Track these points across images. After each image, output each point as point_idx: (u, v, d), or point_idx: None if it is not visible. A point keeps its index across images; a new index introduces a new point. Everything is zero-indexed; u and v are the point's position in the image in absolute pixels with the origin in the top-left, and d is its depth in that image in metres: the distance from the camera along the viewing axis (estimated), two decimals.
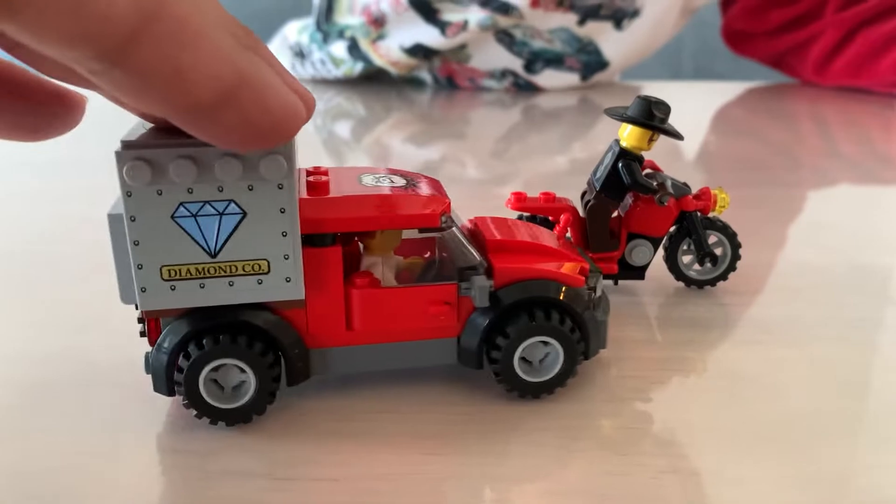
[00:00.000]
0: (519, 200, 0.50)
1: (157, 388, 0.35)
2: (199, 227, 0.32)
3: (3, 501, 0.31)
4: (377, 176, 0.37)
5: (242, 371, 0.35)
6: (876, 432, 0.36)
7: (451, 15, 0.97)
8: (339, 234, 0.35)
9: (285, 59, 1.12)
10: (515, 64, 1.02)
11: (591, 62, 1.04)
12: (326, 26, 1.05)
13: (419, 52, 0.98)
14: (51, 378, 0.40)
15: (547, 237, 0.41)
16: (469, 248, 0.37)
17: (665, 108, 0.46)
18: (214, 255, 0.33)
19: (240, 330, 0.34)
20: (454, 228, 0.36)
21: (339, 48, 1.05)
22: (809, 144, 0.90)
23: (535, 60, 1.01)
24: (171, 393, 0.35)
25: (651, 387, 0.40)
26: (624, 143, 0.48)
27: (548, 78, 1.04)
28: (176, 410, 0.37)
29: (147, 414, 0.37)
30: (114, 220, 0.32)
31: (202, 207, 0.32)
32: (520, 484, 0.33)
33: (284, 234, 0.33)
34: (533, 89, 1.06)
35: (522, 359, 0.37)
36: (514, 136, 0.90)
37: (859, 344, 0.45)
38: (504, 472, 0.34)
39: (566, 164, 0.79)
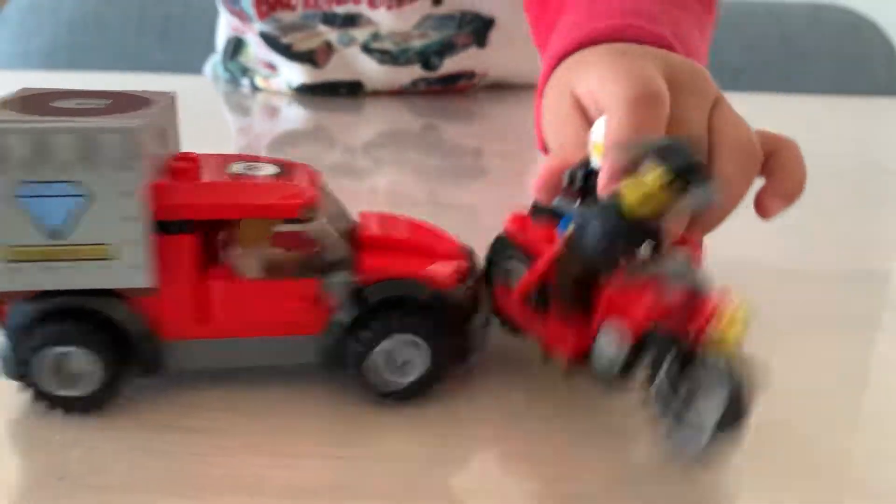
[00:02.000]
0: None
1: (6, 372, 0.35)
2: (42, 208, 0.32)
3: None
4: (249, 164, 0.37)
5: (88, 359, 0.34)
6: (879, 420, 0.38)
7: (306, 43, 0.95)
8: (196, 221, 0.34)
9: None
10: (415, 72, 0.99)
11: (478, 27, 0.98)
12: (231, 65, 1.05)
13: (307, 91, 0.97)
14: None
15: (435, 237, 0.40)
16: (337, 242, 0.36)
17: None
18: (59, 238, 0.32)
19: (88, 317, 0.33)
20: (321, 221, 0.35)
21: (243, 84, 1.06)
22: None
23: (428, 58, 0.98)
24: (18, 377, 0.34)
25: None
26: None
27: (452, 65, 1.00)
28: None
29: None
30: None
31: (45, 187, 0.31)
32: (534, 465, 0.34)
33: (131, 219, 0.32)
34: (450, 81, 1.01)
35: (388, 360, 0.36)
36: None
37: (858, 340, 0.46)
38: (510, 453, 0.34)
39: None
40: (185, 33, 1.39)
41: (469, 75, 1.02)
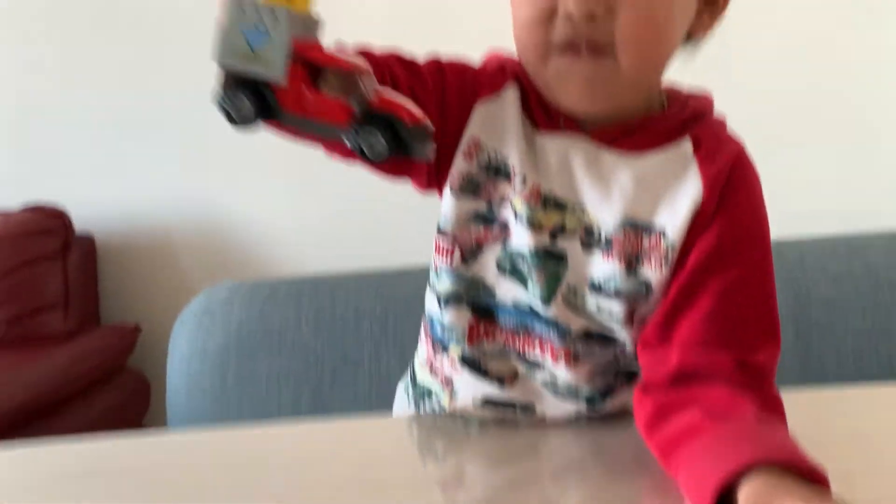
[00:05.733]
0: None
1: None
2: (252, 38, 0.67)
3: None
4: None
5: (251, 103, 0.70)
6: None
7: (500, 368, 1.02)
8: (311, 64, 0.70)
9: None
10: (580, 407, 1.03)
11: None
12: (414, 390, 1.13)
13: (489, 404, 1.03)
14: None
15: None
16: (363, 89, 0.72)
17: None
18: (257, 52, 0.68)
19: (257, 87, 0.71)
20: (362, 81, 0.72)
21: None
22: None
23: (594, 400, 1.02)
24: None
25: None
26: None
27: (611, 405, 1.03)
28: None
29: None
30: None
31: (254, 30, 0.67)
32: None
33: (285, 52, 0.68)
34: (610, 417, 1.04)
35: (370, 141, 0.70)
36: None
37: None
38: None
39: None
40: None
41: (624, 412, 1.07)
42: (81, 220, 2.37)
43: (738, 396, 0.83)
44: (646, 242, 0.88)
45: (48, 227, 2.29)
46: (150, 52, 2.35)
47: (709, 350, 0.86)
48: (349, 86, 0.69)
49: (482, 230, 0.93)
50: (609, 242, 0.88)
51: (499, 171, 0.91)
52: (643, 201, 0.88)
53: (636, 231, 0.88)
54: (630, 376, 1.03)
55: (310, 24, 0.67)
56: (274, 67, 0.63)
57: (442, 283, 0.97)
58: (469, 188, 0.92)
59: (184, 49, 2.22)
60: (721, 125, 0.95)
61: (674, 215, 0.87)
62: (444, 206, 0.93)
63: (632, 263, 0.88)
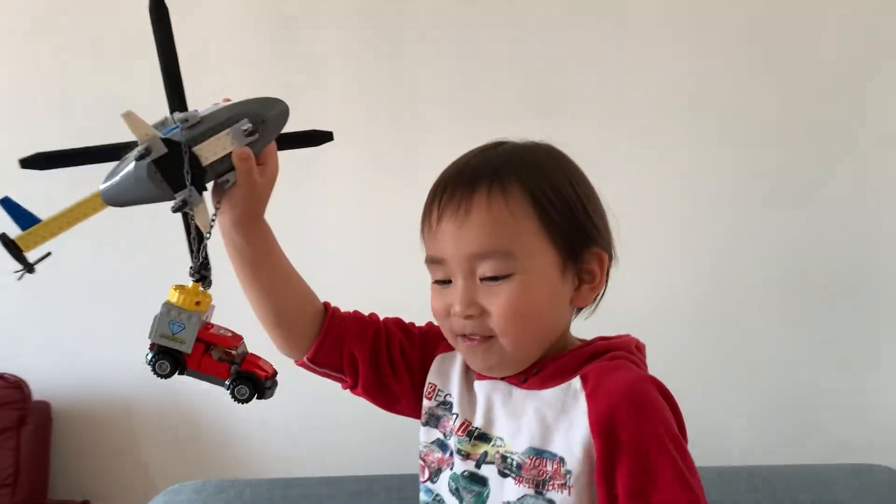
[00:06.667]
0: None
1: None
2: (173, 327, 1.01)
3: None
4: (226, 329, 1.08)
5: (169, 366, 1.03)
6: None
7: None
8: (205, 342, 1.02)
9: None
10: None
11: None
12: None
13: None
14: None
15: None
16: (238, 357, 1.06)
17: None
18: (175, 335, 1.00)
19: (174, 355, 1.02)
20: (237, 351, 1.06)
21: None
22: None
23: None
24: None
25: None
26: None
27: None
28: None
29: None
30: None
31: (174, 322, 1.00)
32: None
33: (191, 336, 1.01)
34: None
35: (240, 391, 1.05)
36: None
37: None
38: None
39: None
40: None
41: None
42: (40, 387, 2.27)
43: None
44: (549, 467, 0.98)
45: (6, 398, 2.19)
46: (112, 223, 2.29)
47: None
48: (229, 353, 1.03)
49: (440, 455, 1.11)
50: (519, 468, 1.00)
51: (449, 409, 1.12)
52: (542, 432, 1.00)
53: (540, 458, 0.99)
54: None
55: (207, 316, 1.03)
56: (186, 345, 0.99)
57: (420, 496, 1.13)
58: (431, 421, 1.14)
59: (147, 217, 2.23)
60: (622, 360, 1.02)
61: (569, 450, 0.97)
62: (420, 434, 1.14)
63: (539, 486, 0.98)
